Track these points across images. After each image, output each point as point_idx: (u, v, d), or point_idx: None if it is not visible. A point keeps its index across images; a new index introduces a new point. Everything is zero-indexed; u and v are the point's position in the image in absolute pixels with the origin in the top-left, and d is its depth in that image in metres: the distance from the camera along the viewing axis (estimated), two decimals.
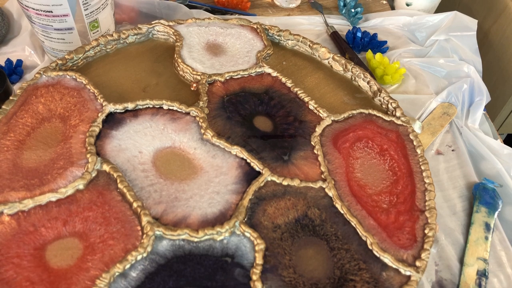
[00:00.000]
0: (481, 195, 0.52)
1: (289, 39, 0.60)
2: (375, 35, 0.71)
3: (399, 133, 0.50)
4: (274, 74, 0.55)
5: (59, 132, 0.45)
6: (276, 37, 0.61)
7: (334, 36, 0.72)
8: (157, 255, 0.38)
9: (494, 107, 0.83)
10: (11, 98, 0.47)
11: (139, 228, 0.39)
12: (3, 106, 0.46)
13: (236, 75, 0.54)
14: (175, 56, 0.55)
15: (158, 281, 0.37)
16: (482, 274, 0.46)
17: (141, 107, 0.48)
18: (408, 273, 0.40)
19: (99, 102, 0.48)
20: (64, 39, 0.59)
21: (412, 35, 0.74)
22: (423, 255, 0.40)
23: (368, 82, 0.56)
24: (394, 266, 0.40)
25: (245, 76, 0.54)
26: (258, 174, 0.44)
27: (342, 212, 0.43)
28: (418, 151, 0.48)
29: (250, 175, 0.44)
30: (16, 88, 0.59)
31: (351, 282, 0.39)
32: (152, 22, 0.58)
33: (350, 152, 0.48)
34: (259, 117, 0.50)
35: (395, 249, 0.41)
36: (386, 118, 0.51)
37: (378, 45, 0.71)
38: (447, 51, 0.70)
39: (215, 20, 0.61)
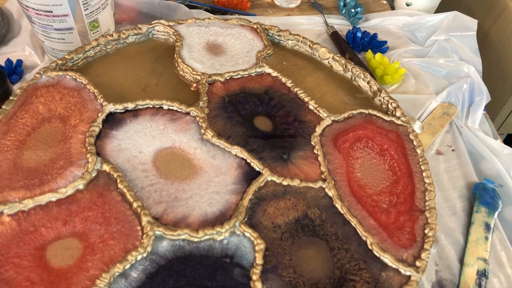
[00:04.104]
0: (481, 195, 0.52)
1: (289, 39, 0.60)
2: (375, 35, 0.71)
3: (399, 133, 0.50)
4: (274, 74, 0.55)
5: (59, 132, 0.45)
6: (276, 37, 0.61)
7: (334, 36, 0.72)
8: (157, 256, 0.38)
9: (494, 107, 0.83)
10: (11, 98, 0.47)
11: (139, 228, 0.39)
12: (3, 106, 0.46)
13: (236, 75, 0.54)
14: (175, 56, 0.55)
15: (158, 281, 0.37)
16: (482, 274, 0.46)
17: (141, 107, 0.48)
18: (408, 273, 0.40)
19: (99, 102, 0.48)
20: (64, 39, 0.59)
21: (412, 35, 0.74)
22: (423, 255, 0.40)
23: (368, 82, 0.56)
24: (394, 266, 0.40)
25: (245, 76, 0.54)
26: (258, 174, 0.44)
27: (342, 212, 0.43)
28: (418, 151, 0.48)
29: (250, 175, 0.44)
30: (16, 88, 0.59)
31: (351, 282, 0.39)
32: (152, 22, 0.58)
33: (350, 152, 0.48)
34: (259, 117, 0.50)
35: (395, 249, 0.41)
36: (386, 118, 0.51)
37: (378, 45, 0.71)
38: (447, 51, 0.70)
39: (215, 20, 0.61)
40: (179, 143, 0.46)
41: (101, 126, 0.46)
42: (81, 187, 0.41)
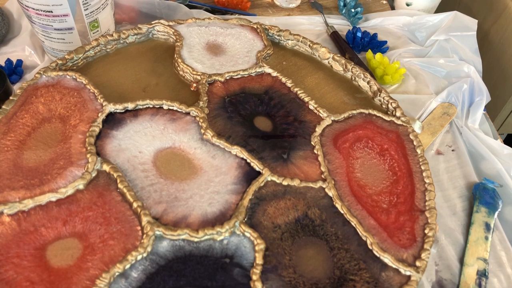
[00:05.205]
0: (481, 195, 0.52)
1: (289, 39, 0.60)
2: (375, 35, 0.71)
3: (399, 133, 0.50)
4: (274, 74, 0.55)
5: (59, 132, 0.45)
6: (276, 37, 0.61)
7: (334, 36, 0.72)
8: (157, 256, 0.38)
9: (494, 107, 0.83)
10: (11, 98, 0.47)
11: (139, 228, 0.39)
12: (3, 106, 0.46)
13: (236, 75, 0.54)
14: (175, 56, 0.55)
15: (158, 281, 0.37)
16: (482, 274, 0.46)
17: (141, 107, 0.48)
18: (408, 273, 0.40)
19: (99, 102, 0.48)
20: (64, 39, 0.59)
21: (412, 35, 0.74)
22: (423, 255, 0.40)
23: (368, 82, 0.56)
24: (394, 266, 0.40)
25: (245, 76, 0.54)
26: (258, 174, 0.44)
27: (342, 212, 0.43)
28: (418, 151, 0.48)
29: (250, 175, 0.44)
30: (16, 88, 0.59)
31: (351, 282, 0.39)
32: (152, 22, 0.58)
33: (350, 152, 0.48)
34: (259, 117, 0.50)
35: (395, 249, 0.41)
36: (386, 118, 0.51)
37: (378, 45, 0.71)
38: (447, 51, 0.70)
39: (215, 20, 0.61)
40: (179, 143, 0.46)
41: (101, 126, 0.46)
42: (81, 187, 0.41)
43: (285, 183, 0.44)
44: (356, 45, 0.71)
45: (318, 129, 0.49)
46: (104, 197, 0.41)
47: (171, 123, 0.47)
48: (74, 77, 0.50)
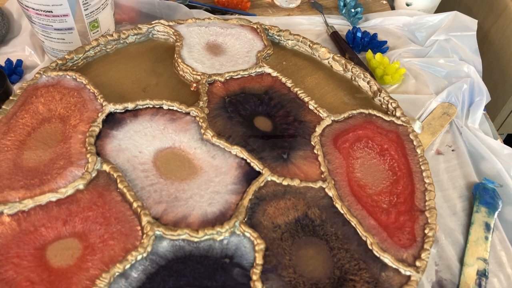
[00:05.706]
0: (481, 195, 0.52)
1: (289, 39, 0.60)
2: (375, 35, 0.71)
3: (399, 133, 0.50)
4: (274, 74, 0.55)
5: (59, 132, 0.45)
6: (276, 37, 0.61)
7: (334, 36, 0.72)
8: (157, 256, 0.38)
9: (494, 107, 0.83)
10: (11, 98, 0.47)
11: (139, 228, 0.39)
12: (3, 106, 0.46)
13: (236, 75, 0.54)
14: (175, 56, 0.55)
15: (158, 281, 0.37)
16: (482, 274, 0.46)
17: (141, 107, 0.48)
18: (408, 273, 0.40)
19: (99, 102, 0.48)
20: (64, 39, 0.59)
21: (412, 35, 0.74)
22: (423, 255, 0.40)
23: (368, 82, 0.56)
24: (394, 266, 0.40)
25: (245, 76, 0.54)
26: (258, 174, 0.44)
27: (342, 212, 0.43)
28: (418, 151, 0.48)
29: (250, 175, 0.44)
30: (16, 88, 0.59)
31: (351, 282, 0.39)
32: (152, 22, 0.58)
33: (350, 152, 0.49)
34: (259, 117, 0.50)
35: (395, 249, 0.41)
36: (386, 118, 0.51)
37: (378, 45, 0.71)
38: (447, 51, 0.70)
39: (215, 20, 0.61)
40: (179, 143, 0.46)
41: (101, 126, 0.46)
42: (81, 187, 0.41)
43: (285, 183, 0.44)
44: (356, 45, 0.71)
45: (318, 129, 0.49)
46: (104, 197, 0.41)
47: (171, 123, 0.47)
48: (74, 77, 0.50)
